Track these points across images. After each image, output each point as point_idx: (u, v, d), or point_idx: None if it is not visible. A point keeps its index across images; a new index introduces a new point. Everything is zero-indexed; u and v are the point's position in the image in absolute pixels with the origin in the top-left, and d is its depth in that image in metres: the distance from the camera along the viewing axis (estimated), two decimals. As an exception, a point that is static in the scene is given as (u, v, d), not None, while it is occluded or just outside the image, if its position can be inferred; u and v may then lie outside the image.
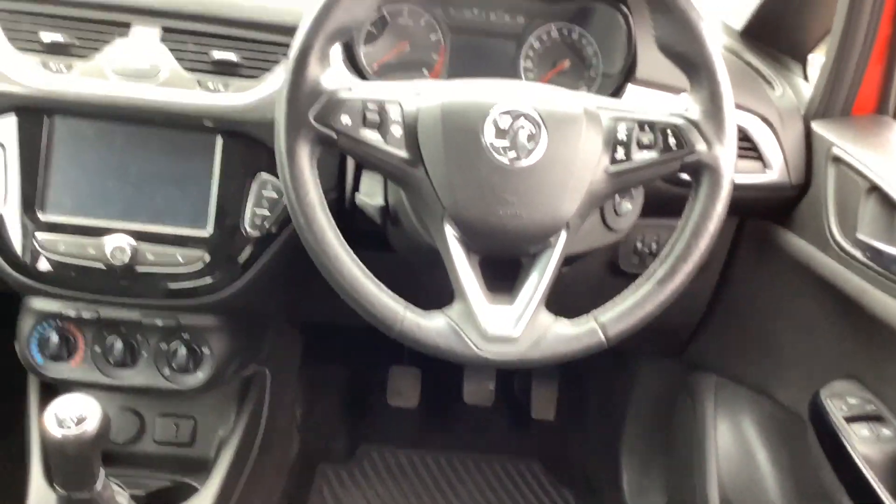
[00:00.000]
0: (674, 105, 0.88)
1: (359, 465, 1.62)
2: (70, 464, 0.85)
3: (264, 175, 1.02)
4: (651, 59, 1.07)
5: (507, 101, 0.84)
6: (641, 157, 0.85)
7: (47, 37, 1.01)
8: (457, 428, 1.69)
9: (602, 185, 0.85)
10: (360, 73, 1.11)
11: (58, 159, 1.01)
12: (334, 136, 0.82)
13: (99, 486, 0.88)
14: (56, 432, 0.83)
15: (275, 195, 1.02)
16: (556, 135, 0.84)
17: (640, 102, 0.94)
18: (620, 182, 0.86)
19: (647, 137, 0.85)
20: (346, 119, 0.83)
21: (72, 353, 1.07)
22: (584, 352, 0.84)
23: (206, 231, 1.02)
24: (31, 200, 1.00)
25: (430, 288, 0.89)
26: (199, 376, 1.08)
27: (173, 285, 1.02)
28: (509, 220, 0.83)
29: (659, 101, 1.05)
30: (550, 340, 0.83)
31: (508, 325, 0.83)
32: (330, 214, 0.83)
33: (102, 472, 0.89)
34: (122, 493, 0.94)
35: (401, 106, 0.84)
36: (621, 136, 0.85)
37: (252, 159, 1.02)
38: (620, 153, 0.85)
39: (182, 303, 1.04)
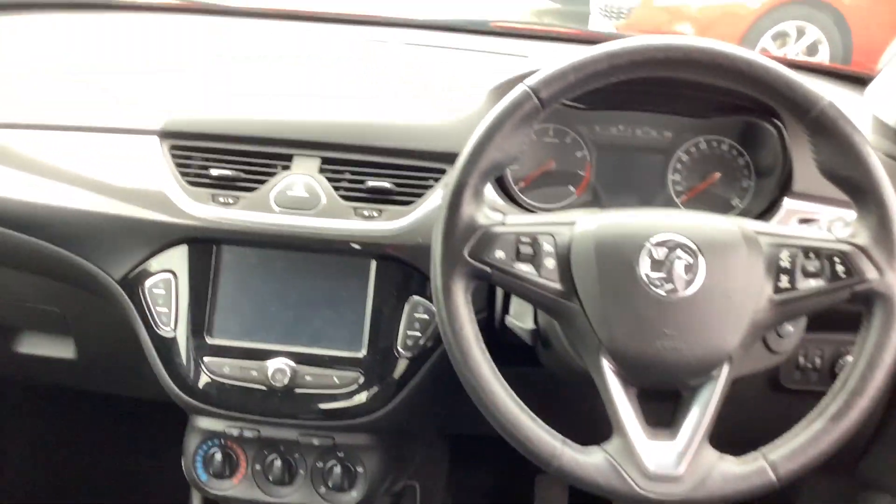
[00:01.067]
0: (839, 230, 0.85)
1: None
2: None
3: (416, 297, 1.04)
4: (808, 170, 1.03)
5: (661, 230, 0.83)
6: (807, 285, 0.82)
7: (216, 171, 1.08)
8: None
9: (766, 315, 0.83)
10: (507, 191, 1.12)
11: (224, 285, 1.07)
12: (488, 270, 0.84)
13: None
14: None
15: (426, 317, 1.04)
16: (715, 264, 0.82)
17: (802, 227, 0.91)
18: (786, 312, 0.83)
19: (812, 265, 0.82)
20: (499, 253, 0.84)
21: (234, 470, 1.11)
22: (751, 492, 0.80)
23: (361, 352, 1.05)
24: (199, 325, 1.06)
25: (582, 407, 0.87)
26: (353, 495, 1.10)
27: (329, 406, 1.05)
28: (668, 353, 0.81)
29: (822, 217, 1.02)
30: (716, 480, 0.80)
31: (671, 462, 0.80)
32: (484, 347, 0.84)
33: None
34: None
35: (553, 238, 0.85)
36: (784, 263, 0.83)
37: (404, 283, 1.04)
38: (784, 281, 0.83)
39: (337, 423, 1.06)
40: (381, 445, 1.11)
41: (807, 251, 0.83)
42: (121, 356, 1.10)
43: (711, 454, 0.81)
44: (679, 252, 0.82)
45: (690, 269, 0.82)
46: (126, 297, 1.08)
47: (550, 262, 0.84)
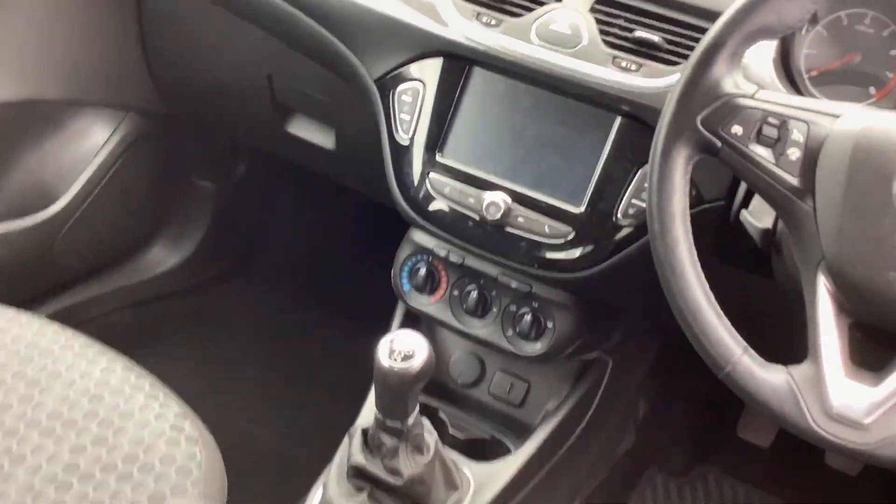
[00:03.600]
0: None
1: (691, 485, 1.52)
2: (389, 393, 0.90)
3: None
4: None
5: None
6: None
7: (485, -12, 1.05)
8: (808, 484, 1.50)
9: None
10: (791, 77, 0.98)
11: (465, 108, 1.05)
12: (718, 144, 0.74)
13: (410, 420, 0.93)
14: (385, 362, 0.88)
15: None
16: None
17: None
18: None
19: None
20: (737, 128, 0.74)
21: (434, 289, 1.14)
22: None
23: (580, 208, 1.00)
24: (433, 141, 1.06)
25: (790, 330, 0.78)
26: (538, 346, 1.08)
27: (534, 253, 1.02)
28: None
29: None
30: None
31: (861, 408, 0.69)
32: (689, 228, 0.76)
33: (417, 408, 0.93)
34: (432, 434, 0.97)
35: (808, 126, 0.73)
36: None
37: (644, 147, 0.96)
38: None
39: (538, 272, 1.04)
40: (577, 307, 1.07)
41: None
42: (370, 156, 1.14)
43: None
44: None
45: None
46: (378, 97, 1.11)
47: (795, 153, 0.73)
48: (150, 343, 1.58)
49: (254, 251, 1.86)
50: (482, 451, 1.15)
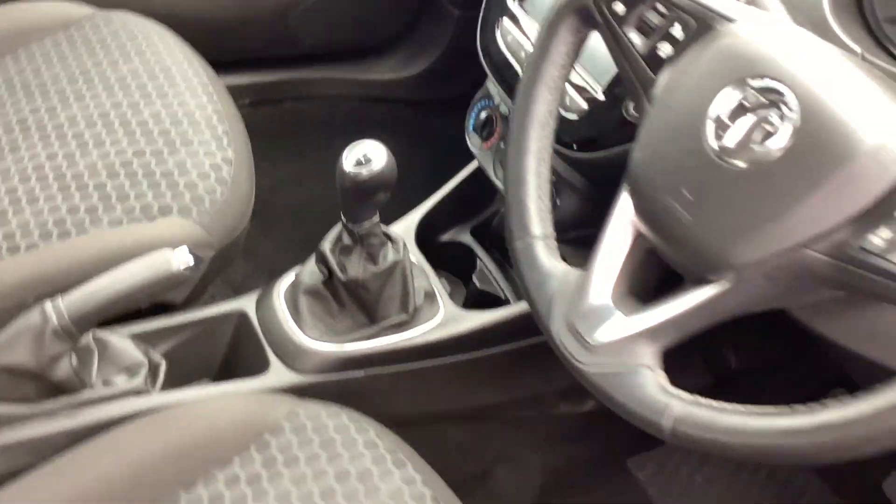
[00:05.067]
0: None
1: None
2: (345, 195, 0.97)
3: None
4: None
5: (769, 72, 0.56)
6: None
7: None
8: None
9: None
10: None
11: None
12: (600, 21, 0.67)
13: (365, 226, 1.00)
14: (345, 165, 0.95)
15: None
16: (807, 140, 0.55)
17: None
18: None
19: None
20: (620, 6, 0.66)
21: (488, 136, 1.16)
22: (642, 424, 0.60)
23: (599, 88, 0.96)
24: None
25: None
26: None
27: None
28: (672, 216, 0.60)
29: None
30: (625, 379, 0.61)
31: (597, 328, 0.64)
32: (552, 103, 0.71)
33: (376, 218, 1.00)
34: (398, 251, 1.03)
35: (696, 25, 0.63)
36: None
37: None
38: None
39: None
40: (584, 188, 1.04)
41: None
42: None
43: (645, 353, 0.61)
44: (771, 111, 0.56)
45: (769, 132, 0.56)
46: None
47: (666, 50, 0.65)
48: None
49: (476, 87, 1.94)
50: (487, 305, 1.18)
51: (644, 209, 0.64)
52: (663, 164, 0.63)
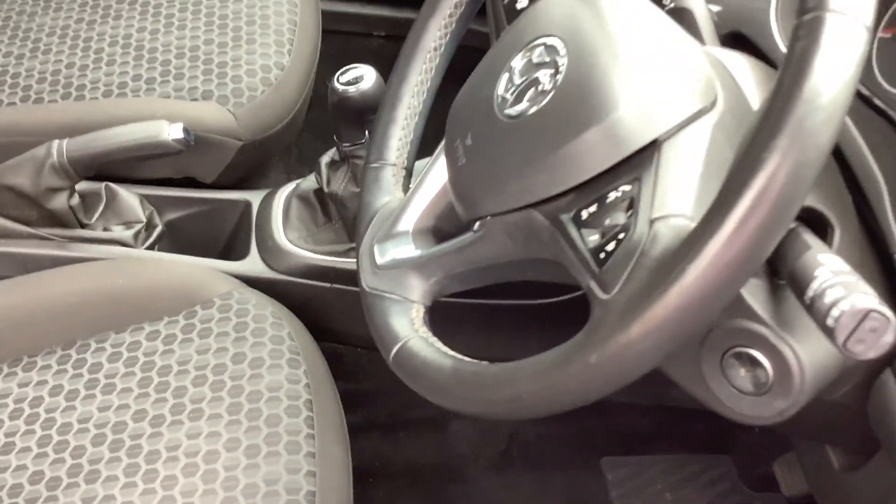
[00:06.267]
0: None
1: None
2: (333, 112, 1.02)
3: None
4: None
5: (548, 31, 0.55)
6: None
7: None
8: None
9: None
10: None
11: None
12: None
13: (347, 146, 1.04)
14: (335, 83, 1.00)
15: None
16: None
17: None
18: None
19: None
20: None
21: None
22: (380, 349, 0.61)
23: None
24: None
25: None
26: None
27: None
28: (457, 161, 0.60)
29: None
30: (385, 304, 0.63)
31: (391, 252, 0.65)
32: (436, 49, 0.72)
33: (366, 135, 1.03)
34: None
35: None
36: None
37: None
38: None
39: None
40: None
41: None
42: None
43: (415, 291, 0.62)
44: (548, 70, 0.54)
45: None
46: None
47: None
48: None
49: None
50: None
51: (447, 148, 0.64)
52: (466, 105, 0.62)
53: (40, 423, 0.87)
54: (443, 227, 0.66)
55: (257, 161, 1.26)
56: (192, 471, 0.82)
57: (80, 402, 0.89)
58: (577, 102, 0.52)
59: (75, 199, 1.05)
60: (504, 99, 0.57)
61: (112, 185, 1.11)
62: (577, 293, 1.02)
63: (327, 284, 1.09)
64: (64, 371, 0.92)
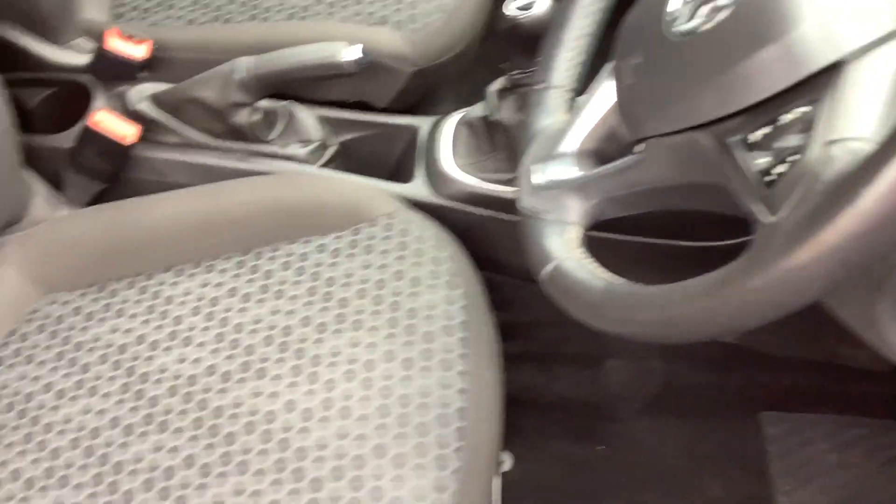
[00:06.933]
0: None
1: None
2: (505, 40, 1.01)
3: None
4: None
5: None
6: None
7: None
8: None
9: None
10: None
11: None
12: None
13: (522, 72, 1.03)
14: (506, 9, 0.99)
15: None
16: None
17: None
18: None
19: None
20: None
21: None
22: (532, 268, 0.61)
23: None
24: None
25: None
26: None
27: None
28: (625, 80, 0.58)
29: None
30: (543, 225, 0.62)
31: (550, 171, 0.64)
32: None
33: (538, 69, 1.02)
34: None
35: None
36: None
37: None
38: None
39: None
40: None
41: None
42: None
43: (573, 211, 0.61)
44: None
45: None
46: None
47: None
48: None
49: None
50: None
51: (616, 67, 0.62)
52: (636, 23, 0.59)
53: (218, 321, 0.94)
54: (605, 150, 0.65)
55: (429, 88, 1.27)
56: (351, 376, 0.86)
57: (253, 304, 0.94)
58: (755, 18, 0.49)
59: (257, 116, 1.10)
60: (676, 16, 0.55)
61: (293, 103, 1.15)
62: (735, 241, 0.98)
63: (490, 212, 1.09)
64: (240, 275, 0.98)
